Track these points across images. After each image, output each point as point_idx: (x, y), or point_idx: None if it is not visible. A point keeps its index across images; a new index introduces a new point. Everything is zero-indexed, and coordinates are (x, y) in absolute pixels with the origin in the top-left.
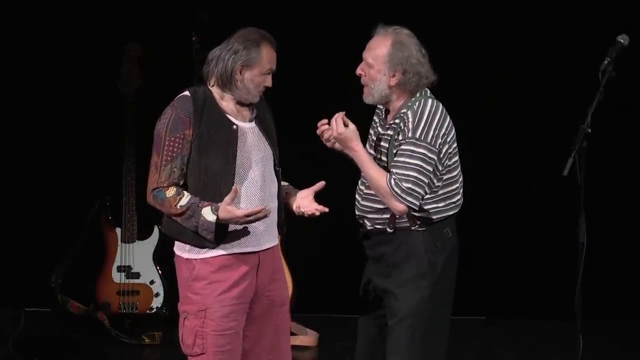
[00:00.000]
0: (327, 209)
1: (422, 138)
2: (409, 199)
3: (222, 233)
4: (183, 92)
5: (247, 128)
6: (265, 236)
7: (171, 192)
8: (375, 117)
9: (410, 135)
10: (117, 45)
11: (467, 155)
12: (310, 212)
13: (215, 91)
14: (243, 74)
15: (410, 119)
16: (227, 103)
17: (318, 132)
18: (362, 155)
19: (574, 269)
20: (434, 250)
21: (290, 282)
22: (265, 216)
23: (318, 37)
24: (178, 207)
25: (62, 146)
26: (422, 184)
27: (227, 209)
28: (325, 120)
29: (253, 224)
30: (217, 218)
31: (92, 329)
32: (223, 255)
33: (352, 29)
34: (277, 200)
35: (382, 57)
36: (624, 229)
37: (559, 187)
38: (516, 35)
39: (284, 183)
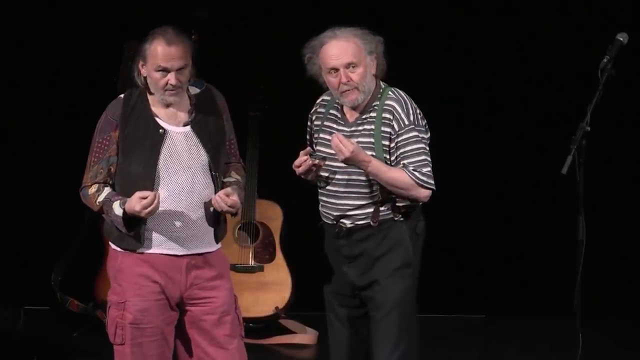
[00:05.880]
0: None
1: (417, 123)
2: (430, 181)
3: (140, 229)
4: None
5: (179, 132)
6: (194, 241)
7: (93, 189)
8: (322, 110)
9: (406, 122)
10: (116, 43)
11: (467, 153)
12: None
13: (150, 94)
14: (144, 68)
15: (398, 108)
16: (159, 105)
17: (302, 170)
18: (376, 163)
19: (573, 267)
20: (415, 238)
21: (289, 281)
22: (156, 203)
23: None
24: (97, 203)
25: (62, 144)
26: (430, 163)
27: (129, 202)
28: (305, 157)
29: (178, 228)
30: (124, 212)
31: (91, 327)
32: (147, 252)
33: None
34: (211, 207)
35: (362, 50)
36: (623, 227)
37: (558, 185)
38: (516, 34)
39: (235, 178)
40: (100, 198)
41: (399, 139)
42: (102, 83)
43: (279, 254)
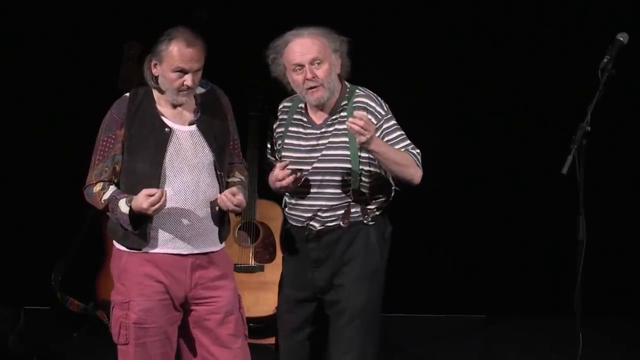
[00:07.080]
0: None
1: (390, 113)
2: (421, 161)
3: (145, 227)
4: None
5: (185, 131)
6: (199, 240)
7: (98, 187)
8: (284, 117)
9: (383, 113)
10: (116, 43)
11: (467, 153)
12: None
13: (156, 92)
14: (157, 68)
15: (371, 103)
16: (165, 104)
17: (285, 183)
18: (384, 143)
19: (573, 267)
20: (382, 243)
21: None
22: (164, 198)
23: None
24: (102, 201)
25: (62, 144)
26: None
27: (136, 200)
28: (287, 171)
29: (184, 227)
30: (131, 209)
31: (91, 327)
32: (151, 252)
33: (350, 27)
34: (216, 206)
35: (327, 48)
36: (623, 226)
37: (558, 185)
38: (516, 33)
39: (239, 178)
40: (106, 196)
41: (380, 130)
42: (102, 83)
43: (280, 254)
